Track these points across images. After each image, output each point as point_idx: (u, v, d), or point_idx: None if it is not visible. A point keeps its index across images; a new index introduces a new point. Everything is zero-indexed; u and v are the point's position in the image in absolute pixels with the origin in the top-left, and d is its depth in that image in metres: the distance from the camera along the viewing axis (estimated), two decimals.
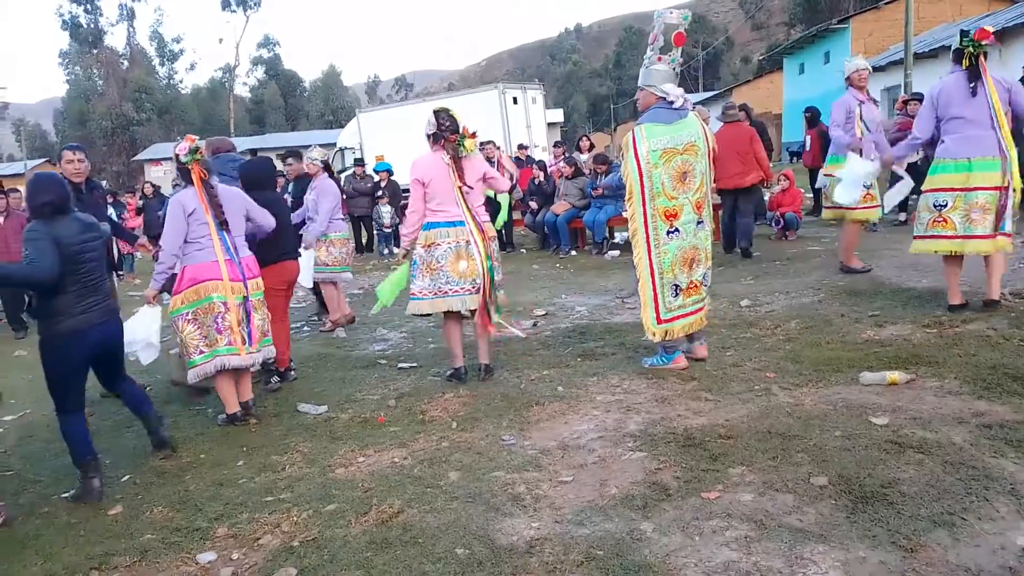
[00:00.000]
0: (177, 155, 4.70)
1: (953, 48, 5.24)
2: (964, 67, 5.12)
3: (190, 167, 4.61)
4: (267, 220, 5.03)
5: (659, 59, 4.61)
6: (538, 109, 19.34)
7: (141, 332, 4.68)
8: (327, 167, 7.38)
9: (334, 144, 24.92)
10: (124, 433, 4.90)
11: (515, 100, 18.51)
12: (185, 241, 4.56)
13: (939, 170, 5.23)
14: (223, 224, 4.62)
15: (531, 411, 4.28)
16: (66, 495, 3.92)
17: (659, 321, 4.68)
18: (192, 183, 4.61)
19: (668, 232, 4.59)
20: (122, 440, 4.76)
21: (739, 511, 2.87)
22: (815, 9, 53.10)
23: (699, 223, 4.66)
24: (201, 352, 4.57)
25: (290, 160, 8.00)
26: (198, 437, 4.61)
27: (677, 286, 4.67)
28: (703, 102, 32.26)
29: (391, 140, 18.14)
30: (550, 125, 41.56)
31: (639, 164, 4.52)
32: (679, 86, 4.66)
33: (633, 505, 3.02)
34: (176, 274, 4.65)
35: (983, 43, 5.06)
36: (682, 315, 4.71)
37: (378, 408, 4.70)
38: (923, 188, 5.36)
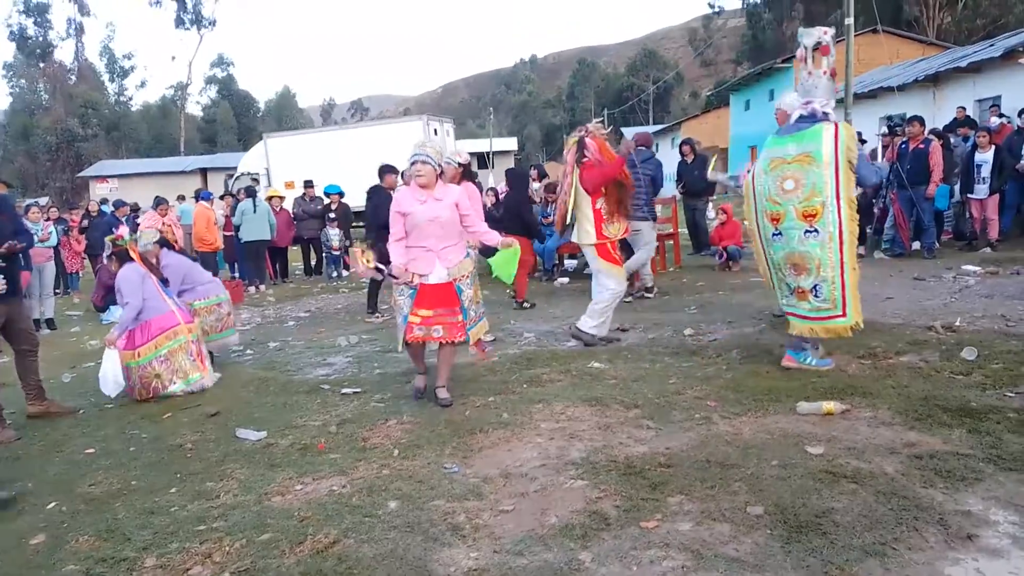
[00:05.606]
0: (115, 240, 6.18)
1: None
2: None
3: (127, 247, 6.06)
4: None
5: (809, 75, 4.84)
6: (450, 141, 21.64)
7: (110, 373, 5.74)
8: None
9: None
10: (53, 458, 4.73)
11: (435, 132, 20.62)
12: (143, 299, 5.79)
13: None
14: (164, 282, 6.06)
15: (475, 438, 4.24)
16: None
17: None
18: (132, 259, 5.99)
19: (773, 234, 4.88)
20: (50, 465, 4.59)
21: (677, 541, 2.88)
22: (761, 48, 54.83)
23: (809, 232, 4.65)
24: (183, 379, 5.84)
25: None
26: (131, 463, 4.46)
27: (788, 285, 4.90)
28: (655, 134, 32.95)
29: (302, 167, 18.13)
30: (502, 153, 43.36)
31: (753, 170, 5.02)
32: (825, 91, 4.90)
33: (573, 535, 3.01)
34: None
35: None
36: (795, 315, 4.92)
37: (319, 435, 4.61)
38: None
